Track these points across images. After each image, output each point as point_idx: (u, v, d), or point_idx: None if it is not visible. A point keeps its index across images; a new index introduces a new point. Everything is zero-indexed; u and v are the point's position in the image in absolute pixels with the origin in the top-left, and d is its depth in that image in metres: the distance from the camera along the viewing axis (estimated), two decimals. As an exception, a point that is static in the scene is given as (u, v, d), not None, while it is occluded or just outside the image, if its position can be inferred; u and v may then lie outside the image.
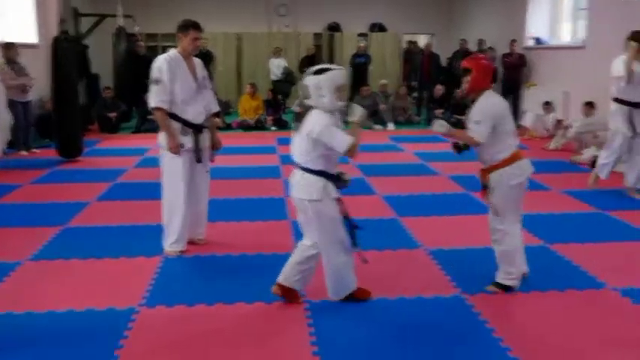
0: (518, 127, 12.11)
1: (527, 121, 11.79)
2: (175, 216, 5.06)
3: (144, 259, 5.01)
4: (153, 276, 4.64)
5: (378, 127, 13.03)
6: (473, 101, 4.26)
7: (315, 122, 3.81)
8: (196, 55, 5.14)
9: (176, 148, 4.88)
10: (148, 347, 3.58)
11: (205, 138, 5.12)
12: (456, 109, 13.09)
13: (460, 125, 12.71)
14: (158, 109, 4.88)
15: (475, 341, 3.64)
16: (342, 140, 3.78)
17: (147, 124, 12.45)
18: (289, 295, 4.11)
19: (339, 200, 3.96)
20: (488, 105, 4.15)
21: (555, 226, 5.89)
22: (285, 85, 14.81)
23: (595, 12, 10.88)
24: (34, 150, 10.05)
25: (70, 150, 9.34)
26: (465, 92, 4.27)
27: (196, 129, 5.00)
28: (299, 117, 3.99)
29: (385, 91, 14.21)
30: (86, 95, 13.41)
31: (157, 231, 5.30)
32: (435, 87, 14.04)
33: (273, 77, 15.06)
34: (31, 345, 3.60)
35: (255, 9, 17.16)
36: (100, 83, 14.31)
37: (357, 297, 4.14)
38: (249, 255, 5.11)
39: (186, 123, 4.96)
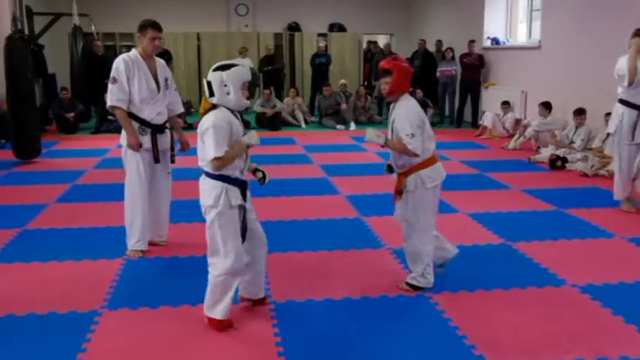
0: (478, 126, 12.33)
1: (486, 120, 11.95)
2: (135, 216, 5.03)
3: (105, 260, 4.94)
4: (114, 278, 4.58)
5: (339, 126, 13.08)
6: (389, 104, 4.30)
7: (208, 120, 3.61)
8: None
9: (135, 144, 4.87)
10: (112, 350, 3.53)
11: (165, 139, 5.08)
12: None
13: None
14: (116, 107, 4.88)
15: (439, 339, 3.67)
16: (214, 148, 3.51)
17: (106, 124, 12.28)
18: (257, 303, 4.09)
19: (242, 208, 3.73)
20: (414, 113, 4.10)
21: (515, 224, 5.98)
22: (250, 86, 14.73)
23: (549, 13, 11.10)
24: (-11, 151, 9.83)
25: (27, 151, 9.15)
26: (386, 93, 4.20)
27: (155, 129, 4.97)
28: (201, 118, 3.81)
29: (345, 91, 14.28)
30: (43, 95, 13.14)
31: (118, 233, 5.24)
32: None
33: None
34: (-9, 350, 3.52)
35: (215, 8, 17.04)
36: (57, 83, 14.03)
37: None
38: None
39: (143, 122, 4.94)
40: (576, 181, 7.97)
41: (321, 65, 15.01)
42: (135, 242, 5.06)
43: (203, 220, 3.81)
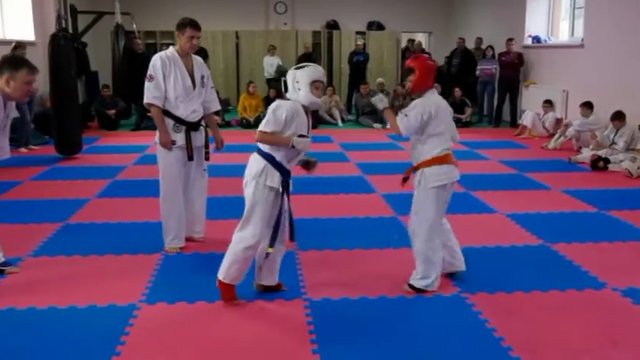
0: (517, 125, 12.17)
1: (526, 119, 11.79)
2: (171, 213, 5.09)
3: (144, 255, 5.01)
4: (153, 273, 4.64)
5: (377, 125, 13.03)
6: (401, 105, 4.42)
7: (278, 101, 3.96)
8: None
9: (167, 144, 4.93)
10: (149, 344, 3.58)
11: (200, 137, 5.13)
12: (455, 108, 13.10)
13: (458, 123, 12.59)
14: (152, 104, 4.95)
15: (476, 341, 3.64)
16: (265, 122, 3.87)
17: (146, 121, 12.44)
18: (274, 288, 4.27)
19: (278, 193, 3.97)
20: (423, 103, 4.21)
21: (556, 226, 5.88)
22: (279, 83, 14.78)
23: (592, 10, 10.89)
24: (33, 147, 10.04)
25: (69, 147, 9.33)
26: (409, 90, 4.40)
27: (189, 127, 5.01)
28: None
29: (383, 90, 14.22)
30: (85, 92, 13.40)
31: (157, 228, 5.30)
32: (434, 85, 14.05)
33: (267, 75, 15.04)
34: (33, 341, 3.60)
35: (254, 7, 17.14)
36: (99, 80, 14.29)
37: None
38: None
39: (178, 120, 4.98)
40: (619, 182, 7.81)
41: (358, 63, 14.98)
42: (171, 240, 5.12)
43: (239, 217, 3.85)
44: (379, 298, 4.21)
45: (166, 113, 4.97)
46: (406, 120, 4.17)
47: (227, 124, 12.91)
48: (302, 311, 3.99)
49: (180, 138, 4.98)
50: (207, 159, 5.27)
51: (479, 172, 8.28)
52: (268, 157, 3.92)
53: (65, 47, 9.06)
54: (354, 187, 7.51)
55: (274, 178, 3.91)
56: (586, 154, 9.04)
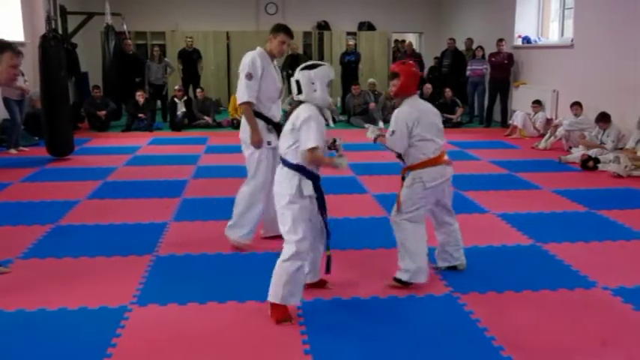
0: (508, 126, 12.21)
1: (517, 120, 11.83)
2: (254, 209, 5.12)
3: (135, 257, 4.99)
4: (144, 274, 4.63)
5: (368, 126, 13.01)
6: (393, 106, 4.44)
7: (304, 111, 3.81)
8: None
9: (259, 142, 4.94)
10: (141, 346, 3.57)
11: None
12: (445, 108, 13.15)
13: (449, 123, 12.57)
14: (247, 103, 4.93)
15: (467, 340, 3.64)
16: (312, 138, 3.72)
17: (137, 122, 12.43)
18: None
19: (312, 199, 3.88)
20: (405, 113, 4.27)
21: (546, 225, 5.91)
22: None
23: (582, 11, 10.94)
24: (23, 148, 9.99)
25: (60, 148, 9.30)
26: (392, 94, 4.42)
27: (277, 127, 5.01)
28: (289, 115, 3.96)
29: (375, 90, 14.24)
30: (76, 94, 13.34)
31: (148, 229, 5.29)
32: (424, 86, 14.11)
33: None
34: (23, 343, 3.58)
35: (245, 7, 17.11)
36: (90, 81, 14.24)
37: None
38: (241, 254, 5.11)
39: (269, 121, 5.01)
40: (609, 182, 7.85)
41: (350, 64, 15.00)
42: (245, 233, 5.15)
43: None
44: (371, 298, 4.21)
45: (256, 114, 4.97)
46: (395, 138, 4.25)
47: (218, 125, 12.93)
48: (294, 311, 3.99)
49: (273, 138, 4.95)
50: None
51: (470, 172, 8.31)
52: (299, 169, 3.81)
53: (55, 48, 9.02)
54: (345, 187, 7.51)
55: (309, 187, 3.83)
56: (576, 154, 9.09)
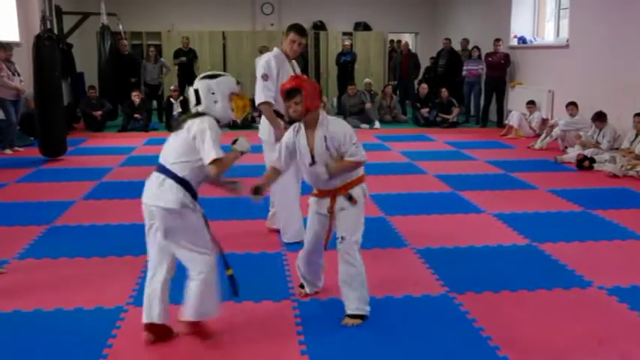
0: (503, 126, 12.23)
1: (512, 120, 11.85)
2: (292, 212, 5.21)
3: (131, 257, 4.98)
4: (140, 275, 4.61)
5: (364, 125, 13.05)
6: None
7: (201, 122, 3.42)
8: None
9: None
10: (137, 346, 3.56)
11: None
12: (442, 108, 13.18)
13: (445, 123, 12.60)
14: (266, 103, 5.00)
15: (463, 340, 3.65)
16: (214, 148, 3.33)
17: (132, 122, 12.41)
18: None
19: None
20: (345, 126, 3.87)
21: (542, 225, 5.92)
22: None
23: (577, 11, 10.96)
24: (18, 149, 9.97)
25: (54, 149, 9.27)
26: (301, 114, 3.75)
27: None
28: (177, 127, 3.59)
29: (371, 90, 14.25)
30: (71, 94, 13.32)
31: (144, 230, 5.26)
32: (420, 86, 14.16)
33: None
34: (19, 344, 3.58)
35: (241, 7, 17.11)
36: (85, 81, 14.22)
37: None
38: (238, 254, 5.10)
39: (285, 121, 5.02)
40: (604, 181, 7.86)
41: (346, 64, 15.01)
42: (293, 234, 5.22)
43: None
44: (368, 298, 4.20)
45: (276, 114, 5.02)
46: (360, 147, 3.80)
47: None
48: (290, 312, 3.99)
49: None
50: None
51: (466, 172, 8.32)
52: (185, 185, 3.51)
53: (49, 48, 9.00)
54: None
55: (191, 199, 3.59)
56: (572, 154, 9.11)
